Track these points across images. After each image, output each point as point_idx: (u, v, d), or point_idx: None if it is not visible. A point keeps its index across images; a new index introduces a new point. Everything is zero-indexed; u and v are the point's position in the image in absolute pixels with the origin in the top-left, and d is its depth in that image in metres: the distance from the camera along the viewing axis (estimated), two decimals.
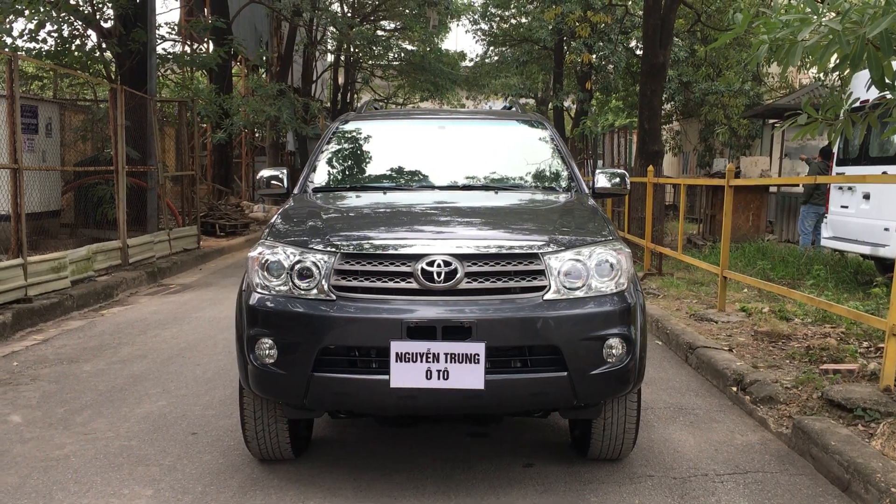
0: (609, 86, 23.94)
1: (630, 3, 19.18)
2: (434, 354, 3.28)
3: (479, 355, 3.28)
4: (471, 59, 32.25)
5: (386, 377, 3.31)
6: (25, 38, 13.42)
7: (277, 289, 3.54)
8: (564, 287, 3.48)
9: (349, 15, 26.00)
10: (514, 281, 3.48)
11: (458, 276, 3.41)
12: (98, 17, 14.16)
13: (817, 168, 12.36)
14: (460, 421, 4.27)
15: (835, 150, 10.23)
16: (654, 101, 12.39)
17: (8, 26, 12.58)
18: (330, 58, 30.67)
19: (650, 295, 8.69)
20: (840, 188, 9.58)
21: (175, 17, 20.21)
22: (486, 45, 30.63)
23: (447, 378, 3.29)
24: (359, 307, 3.40)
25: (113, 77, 14.06)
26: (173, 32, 17.96)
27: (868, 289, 8.04)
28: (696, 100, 21.85)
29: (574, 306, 3.46)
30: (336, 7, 26.60)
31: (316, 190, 4.76)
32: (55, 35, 13.61)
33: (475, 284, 3.44)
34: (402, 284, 3.43)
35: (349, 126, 5.40)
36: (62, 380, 5.68)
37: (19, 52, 11.96)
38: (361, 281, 3.47)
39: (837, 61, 4.05)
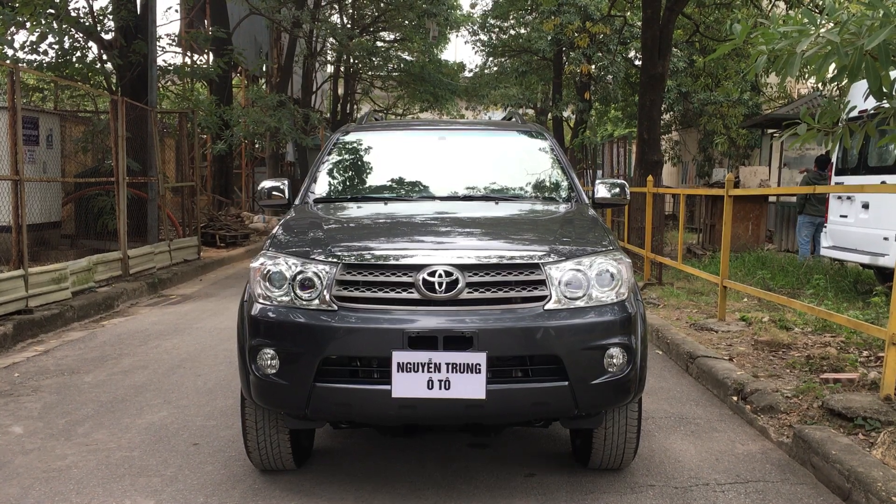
0: (608, 96, 24.02)
1: (629, 14, 19.26)
2: (435, 364, 3.29)
3: (480, 365, 3.29)
4: (470, 70, 32.38)
5: (387, 387, 3.32)
6: (27, 49, 13.49)
7: (279, 299, 3.56)
8: (565, 297, 3.49)
9: (349, 26, 26.11)
10: (515, 291, 3.49)
11: (459, 286, 3.42)
12: (99, 28, 14.24)
13: (808, 178, 12.40)
14: (461, 431, 4.28)
15: (833, 159, 10.26)
16: (653, 111, 12.43)
17: (9, 38, 12.63)
18: (330, 69, 30.77)
19: (650, 305, 8.70)
20: (839, 198, 9.60)
21: (176, 28, 20.29)
22: (485, 55, 30.74)
23: (448, 388, 3.30)
24: (360, 317, 3.41)
25: (114, 88, 14.13)
26: (174, 44, 18.03)
27: (868, 298, 8.05)
28: (695, 110, 21.91)
29: (575, 316, 3.47)
30: (336, 18, 26.72)
31: (317, 201, 4.77)
32: (56, 47, 13.67)
33: (476, 294, 3.45)
34: (404, 295, 3.45)
35: (350, 137, 5.43)
36: (63, 391, 5.68)
37: (21, 64, 12.02)
38: (363, 291, 3.49)
39: (836, 72, 4.07)
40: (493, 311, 3.43)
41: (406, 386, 3.30)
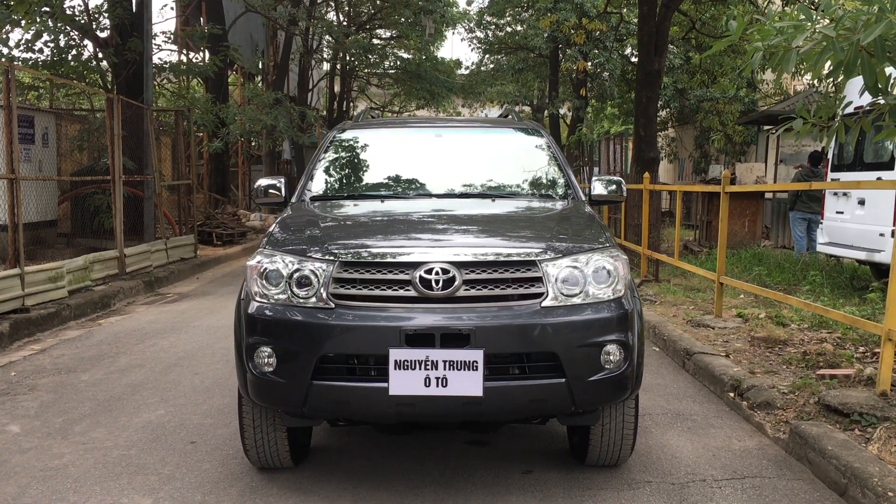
0: (604, 93, 24.05)
1: (625, 10, 19.26)
2: (433, 362, 3.29)
3: (477, 362, 3.29)
4: (466, 67, 32.36)
5: (385, 385, 3.32)
6: (22, 48, 13.46)
7: (276, 297, 3.55)
8: (562, 294, 3.50)
9: (345, 24, 26.07)
10: (512, 288, 3.49)
11: (456, 283, 3.43)
12: (94, 27, 14.19)
13: (800, 175, 12.43)
14: (459, 428, 4.29)
15: (829, 155, 10.28)
16: (649, 107, 12.43)
17: (4, 36, 12.60)
18: (326, 66, 30.73)
19: (647, 301, 8.70)
20: (835, 194, 9.62)
21: (171, 26, 20.26)
22: (481, 52, 30.74)
23: (446, 385, 3.30)
24: (357, 315, 3.42)
25: (109, 87, 14.09)
26: (169, 41, 18.00)
27: (864, 294, 8.07)
28: (692, 106, 21.93)
29: (572, 313, 3.47)
30: (332, 16, 26.69)
31: (314, 199, 4.76)
32: (51, 45, 13.64)
33: (473, 292, 3.45)
34: (401, 292, 3.45)
35: (346, 135, 5.42)
36: (60, 389, 5.68)
37: (16, 63, 11.99)
38: (360, 289, 3.48)
39: (831, 68, 4.08)
40: (490, 308, 3.44)
41: (403, 383, 3.30)
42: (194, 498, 3.78)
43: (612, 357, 3.48)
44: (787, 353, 6.06)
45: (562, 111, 27.81)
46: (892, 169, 8.47)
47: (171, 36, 18.02)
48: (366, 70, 30.92)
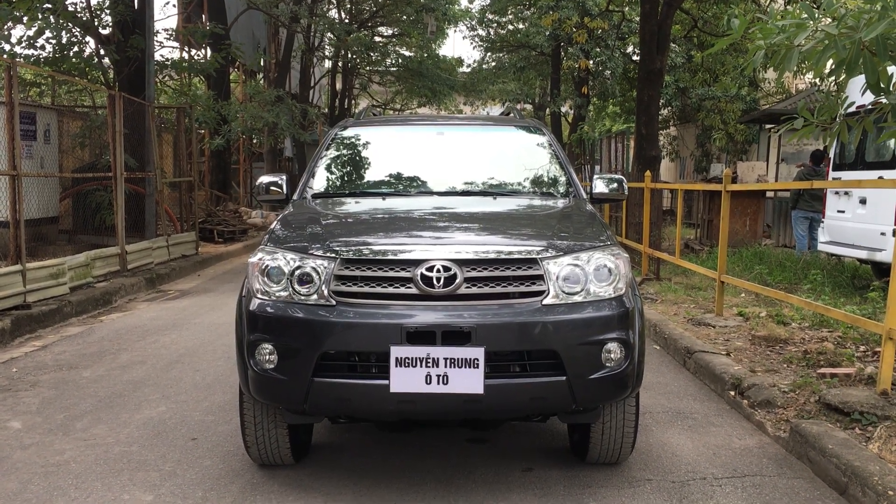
0: (606, 91, 24.01)
1: (627, 9, 19.24)
2: (434, 359, 3.30)
3: (478, 360, 3.29)
4: (468, 65, 32.36)
5: (386, 382, 3.33)
6: (24, 44, 13.46)
7: (277, 294, 3.56)
8: (563, 292, 3.50)
9: (346, 21, 26.06)
10: (513, 286, 3.50)
11: (457, 281, 3.43)
12: (96, 23, 14.20)
13: (803, 173, 12.42)
14: (460, 426, 4.29)
15: (831, 154, 10.28)
16: (651, 106, 12.41)
17: (6, 33, 12.60)
18: (328, 64, 30.73)
19: (648, 300, 8.71)
20: (836, 193, 9.61)
21: (173, 23, 20.19)
22: (483, 50, 30.72)
23: (447, 383, 3.30)
24: (358, 312, 3.42)
25: (111, 83, 14.08)
26: (171, 39, 17.99)
27: (865, 293, 8.06)
28: (693, 105, 21.91)
29: (573, 311, 3.48)
30: (333, 13, 26.67)
31: (315, 196, 4.76)
32: (53, 42, 13.64)
33: (474, 289, 3.46)
34: (402, 290, 3.45)
35: (348, 132, 5.42)
36: (61, 386, 5.68)
37: (18, 59, 11.99)
38: (361, 286, 3.49)
39: (833, 66, 4.07)
40: (491, 306, 3.44)
41: (404, 381, 3.31)
42: (195, 494, 3.79)
43: (612, 355, 3.49)
44: (787, 351, 6.06)
45: (563, 109, 27.81)
46: (894, 168, 8.47)
47: (173, 33, 18.02)
48: (367, 68, 30.93)
